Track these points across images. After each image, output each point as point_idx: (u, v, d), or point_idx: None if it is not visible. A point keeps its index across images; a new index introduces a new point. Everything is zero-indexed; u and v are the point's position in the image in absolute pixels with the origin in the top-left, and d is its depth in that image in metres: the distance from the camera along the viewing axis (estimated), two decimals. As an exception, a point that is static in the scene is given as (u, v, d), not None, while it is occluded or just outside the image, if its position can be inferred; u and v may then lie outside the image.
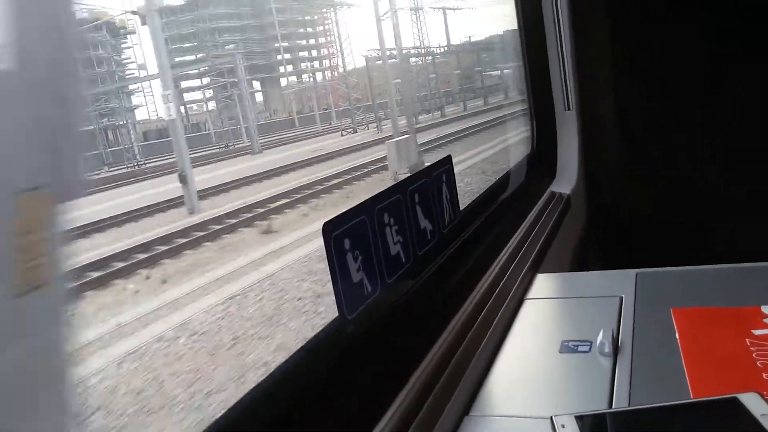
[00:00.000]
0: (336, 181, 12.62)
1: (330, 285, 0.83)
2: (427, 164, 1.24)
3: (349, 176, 13.14)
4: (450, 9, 34.36)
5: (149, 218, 11.04)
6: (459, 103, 33.24)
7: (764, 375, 0.87)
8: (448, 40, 37.19)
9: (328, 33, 45.62)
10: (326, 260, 0.83)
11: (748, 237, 1.98)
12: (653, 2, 2.21)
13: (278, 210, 10.31)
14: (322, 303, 5.49)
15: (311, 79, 44.43)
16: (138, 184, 16.67)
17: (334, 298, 0.82)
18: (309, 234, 8.22)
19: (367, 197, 0.96)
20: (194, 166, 13.34)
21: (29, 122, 0.41)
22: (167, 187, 13.10)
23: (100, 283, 6.92)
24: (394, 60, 23.07)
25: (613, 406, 0.86)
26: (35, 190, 0.40)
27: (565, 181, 2.25)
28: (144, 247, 8.21)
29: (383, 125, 25.62)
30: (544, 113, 2.37)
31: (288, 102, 44.35)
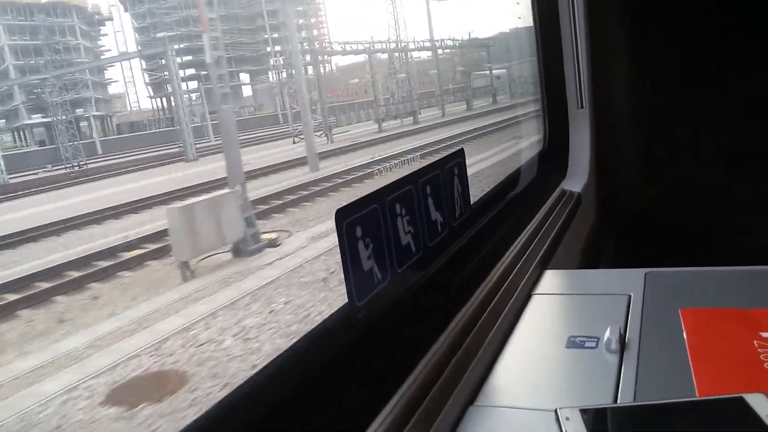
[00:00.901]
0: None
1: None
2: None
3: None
4: (435, -1, 31.89)
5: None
6: (438, 107, 30.02)
7: (771, 376, 0.87)
8: (431, 34, 34.68)
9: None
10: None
11: (760, 238, 1.97)
12: (671, 1, 2.19)
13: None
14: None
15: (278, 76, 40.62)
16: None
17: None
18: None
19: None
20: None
21: None
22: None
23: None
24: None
25: (618, 402, 0.86)
26: None
27: (577, 178, 2.25)
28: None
29: (341, 132, 22.96)
30: (556, 110, 2.37)
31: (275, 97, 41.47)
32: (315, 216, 9.70)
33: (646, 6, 2.23)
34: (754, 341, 0.97)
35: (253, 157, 16.93)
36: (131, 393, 4.41)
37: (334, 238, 0.86)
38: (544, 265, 1.50)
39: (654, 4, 2.23)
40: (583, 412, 0.77)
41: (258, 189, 11.54)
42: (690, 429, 0.77)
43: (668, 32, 2.21)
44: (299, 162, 15.23)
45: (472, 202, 1.32)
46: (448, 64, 34.25)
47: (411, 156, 14.45)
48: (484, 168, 10.26)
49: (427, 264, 1.11)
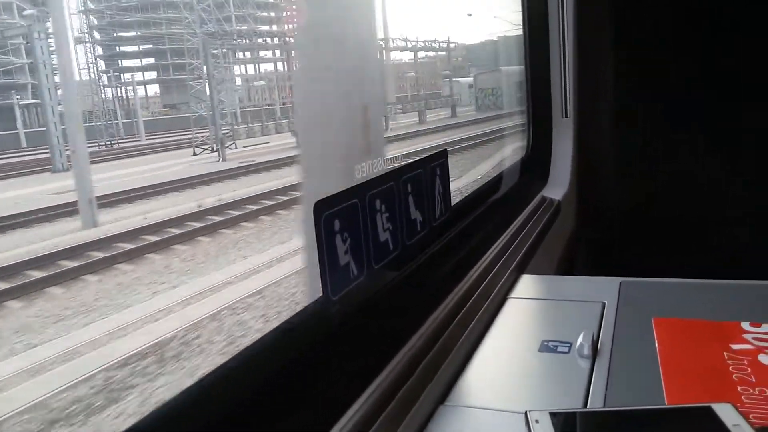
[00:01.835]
0: None
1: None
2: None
3: None
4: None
5: None
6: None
7: (739, 388, 0.88)
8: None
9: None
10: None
11: (736, 252, 2.00)
12: (659, 15, 2.22)
13: None
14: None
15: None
16: None
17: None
18: None
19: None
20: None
21: None
22: None
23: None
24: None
25: (588, 407, 0.86)
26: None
27: (557, 187, 2.27)
28: None
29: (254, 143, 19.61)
30: (541, 119, 2.39)
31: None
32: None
33: (634, 21, 2.26)
34: (724, 353, 0.98)
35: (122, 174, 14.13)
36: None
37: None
38: (521, 270, 1.50)
39: (642, 19, 2.26)
40: (553, 415, 0.77)
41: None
42: None
43: (655, 45, 2.24)
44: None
45: (452, 204, 1.32)
46: (401, 69, 32.56)
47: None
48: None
49: (404, 262, 1.10)
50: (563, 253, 2.13)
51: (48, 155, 16.06)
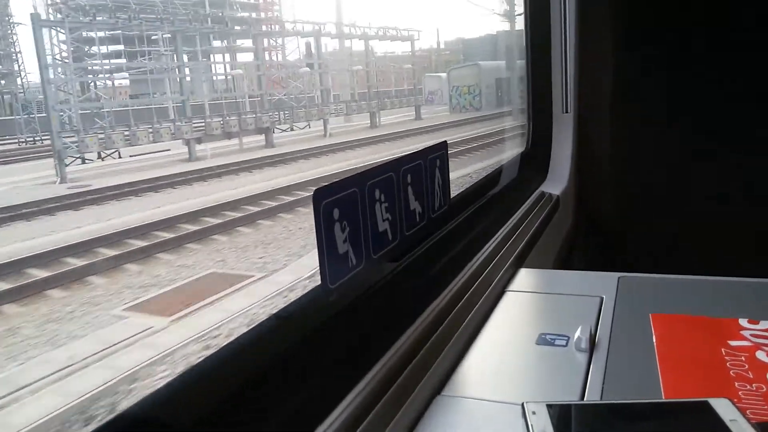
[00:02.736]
0: None
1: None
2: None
3: None
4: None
5: None
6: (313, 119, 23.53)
7: (736, 384, 0.88)
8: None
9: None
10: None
11: (735, 249, 2.00)
12: (661, 12, 2.22)
13: None
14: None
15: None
16: None
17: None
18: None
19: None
20: None
21: None
22: None
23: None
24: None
25: (585, 400, 0.86)
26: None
27: (556, 182, 2.26)
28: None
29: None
30: (541, 113, 2.38)
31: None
32: None
33: (636, 21, 2.26)
34: (722, 349, 0.98)
35: None
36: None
37: None
38: (519, 264, 1.50)
39: (644, 19, 2.26)
40: (550, 407, 0.77)
41: None
42: (654, 430, 0.78)
43: (656, 43, 2.24)
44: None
45: (452, 196, 1.32)
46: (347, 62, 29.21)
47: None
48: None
49: (403, 253, 1.10)
50: (561, 248, 2.13)
51: None
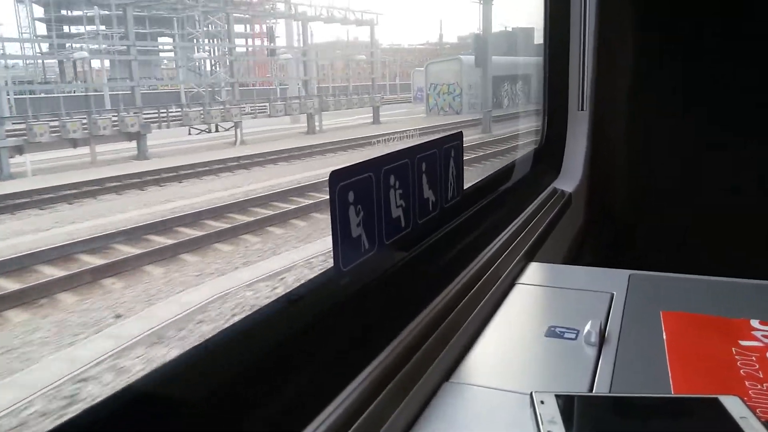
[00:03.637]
0: None
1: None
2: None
3: None
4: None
5: None
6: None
7: (747, 383, 0.87)
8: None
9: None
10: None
11: (749, 250, 1.99)
12: (681, 10, 2.20)
13: None
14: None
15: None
16: None
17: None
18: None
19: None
20: None
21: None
22: None
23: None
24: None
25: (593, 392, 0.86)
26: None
27: (569, 179, 2.25)
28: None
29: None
30: (557, 110, 2.37)
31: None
32: None
33: (656, 14, 2.24)
34: (733, 348, 0.97)
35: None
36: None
37: None
38: (529, 257, 1.49)
39: (664, 20, 2.24)
40: (558, 397, 0.77)
41: None
42: (663, 424, 0.77)
43: (674, 44, 2.22)
44: None
45: (465, 188, 1.32)
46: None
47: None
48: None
49: (415, 240, 1.10)
50: (572, 245, 2.12)
51: None
